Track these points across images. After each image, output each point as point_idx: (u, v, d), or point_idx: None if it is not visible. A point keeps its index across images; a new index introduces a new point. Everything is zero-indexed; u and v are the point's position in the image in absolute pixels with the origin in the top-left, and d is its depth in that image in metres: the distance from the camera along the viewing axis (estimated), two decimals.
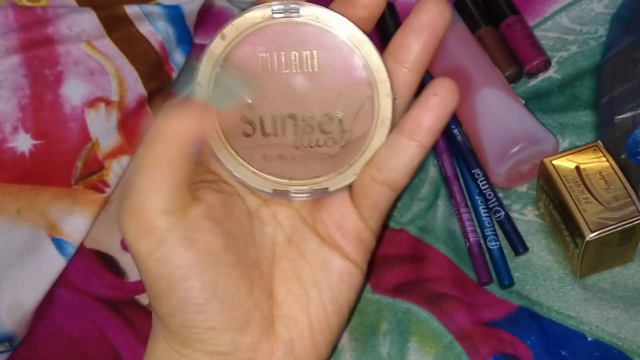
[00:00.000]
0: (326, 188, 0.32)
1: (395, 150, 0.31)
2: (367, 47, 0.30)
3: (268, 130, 0.32)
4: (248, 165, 0.32)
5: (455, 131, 0.45)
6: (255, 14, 0.30)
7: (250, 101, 0.31)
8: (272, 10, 0.30)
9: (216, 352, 0.31)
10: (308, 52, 0.30)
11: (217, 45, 0.31)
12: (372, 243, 0.34)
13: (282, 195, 0.33)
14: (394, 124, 0.31)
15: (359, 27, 0.30)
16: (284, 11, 0.30)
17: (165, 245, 0.29)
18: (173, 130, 0.29)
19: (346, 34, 0.30)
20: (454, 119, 0.46)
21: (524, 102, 0.45)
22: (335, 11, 0.30)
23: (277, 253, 0.33)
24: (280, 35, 0.30)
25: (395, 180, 0.32)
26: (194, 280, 0.30)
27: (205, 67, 0.31)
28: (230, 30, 0.30)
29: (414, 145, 0.31)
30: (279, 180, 0.32)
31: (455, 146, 0.45)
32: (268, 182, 0.32)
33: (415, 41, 0.31)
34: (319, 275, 0.33)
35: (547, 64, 0.47)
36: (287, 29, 0.30)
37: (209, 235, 0.30)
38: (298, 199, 0.33)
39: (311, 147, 0.32)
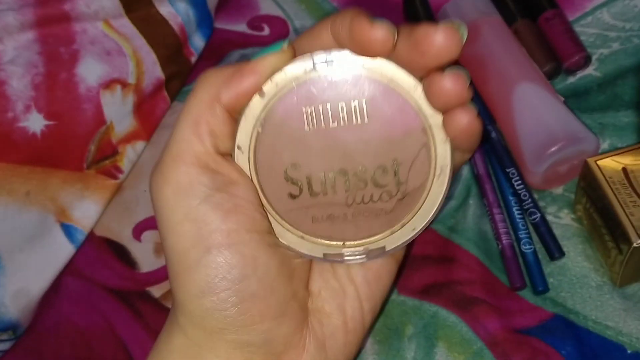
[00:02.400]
0: (383, 247, 0.30)
1: None
2: (419, 92, 0.27)
3: (316, 189, 0.29)
4: (295, 230, 0.29)
5: (489, 128, 0.43)
6: (296, 68, 0.28)
7: (295, 161, 0.29)
8: (314, 61, 0.28)
9: (247, 343, 0.28)
10: (356, 102, 0.28)
11: (255, 104, 0.28)
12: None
13: (334, 259, 0.30)
14: (453, 171, 0.29)
15: (408, 71, 0.27)
16: (327, 61, 0.27)
17: (207, 203, 0.27)
18: (222, 80, 0.27)
19: (395, 80, 0.28)
20: (488, 116, 0.44)
21: (563, 99, 0.42)
22: (380, 56, 0.27)
23: None
24: (325, 87, 0.28)
25: None
26: (234, 250, 0.27)
27: (245, 128, 0.28)
28: (270, 87, 0.28)
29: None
30: (331, 243, 0.30)
31: (488, 143, 0.43)
32: (319, 246, 0.30)
33: None
34: (355, 271, 0.31)
35: (587, 60, 0.45)
36: (331, 80, 0.28)
37: (255, 210, 0.28)
38: (352, 262, 0.30)
39: (365, 203, 0.29)
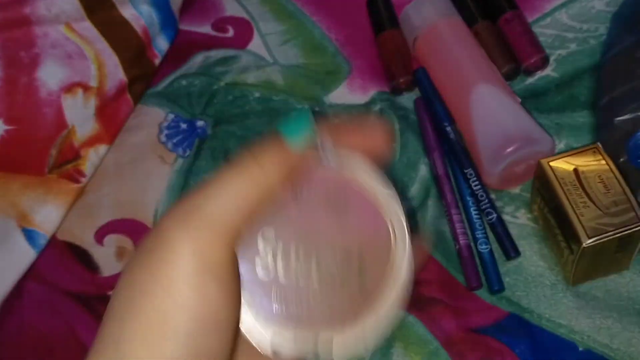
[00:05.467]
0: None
1: None
2: (396, 205, 0.25)
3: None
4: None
5: (448, 129, 0.43)
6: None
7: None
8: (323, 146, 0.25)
9: None
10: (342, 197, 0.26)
11: None
12: None
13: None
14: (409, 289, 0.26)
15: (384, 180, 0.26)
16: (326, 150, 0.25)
17: None
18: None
19: (373, 187, 0.26)
20: (447, 116, 0.44)
21: (520, 100, 0.43)
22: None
23: None
24: (320, 172, 0.26)
25: None
26: None
27: None
28: None
29: None
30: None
31: (447, 144, 0.43)
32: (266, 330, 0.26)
33: None
34: None
35: (545, 61, 0.46)
36: (326, 168, 0.26)
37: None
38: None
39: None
